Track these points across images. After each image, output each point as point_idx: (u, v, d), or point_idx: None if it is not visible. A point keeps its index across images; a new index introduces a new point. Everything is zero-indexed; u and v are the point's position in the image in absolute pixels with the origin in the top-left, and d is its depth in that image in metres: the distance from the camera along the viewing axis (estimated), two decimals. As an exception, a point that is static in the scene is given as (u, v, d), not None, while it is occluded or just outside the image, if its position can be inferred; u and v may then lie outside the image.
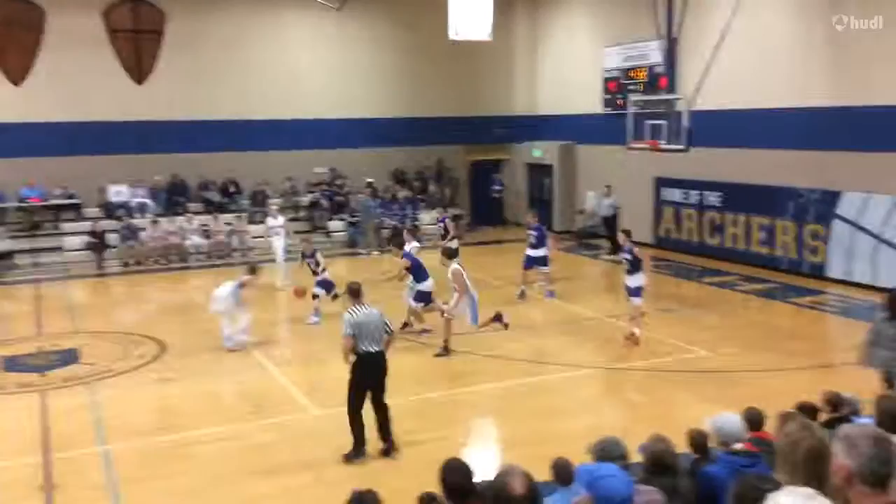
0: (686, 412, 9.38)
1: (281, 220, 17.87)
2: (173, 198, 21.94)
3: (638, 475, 5.03)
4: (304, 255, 14.52)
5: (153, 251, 20.38)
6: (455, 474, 4.03)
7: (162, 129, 21.92)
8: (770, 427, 5.98)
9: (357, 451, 8.36)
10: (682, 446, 5.61)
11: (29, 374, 11.49)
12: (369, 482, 6.86)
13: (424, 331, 13.15)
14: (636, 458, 5.29)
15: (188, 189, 22.37)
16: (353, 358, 8.33)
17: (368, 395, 8.41)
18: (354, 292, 8.71)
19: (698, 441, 5.74)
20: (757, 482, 3.61)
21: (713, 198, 19.39)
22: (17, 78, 20.88)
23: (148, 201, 21.73)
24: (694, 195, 19.92)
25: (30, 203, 20.66)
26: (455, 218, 17.41)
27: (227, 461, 8.40)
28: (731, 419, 5.43)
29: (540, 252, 15.65)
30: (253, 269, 13.13)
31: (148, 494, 7.76)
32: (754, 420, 5.98)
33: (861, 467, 2.76)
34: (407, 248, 13.72)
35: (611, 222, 20.70)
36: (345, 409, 8.48)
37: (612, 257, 19.31)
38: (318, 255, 14.44)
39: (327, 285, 13.99)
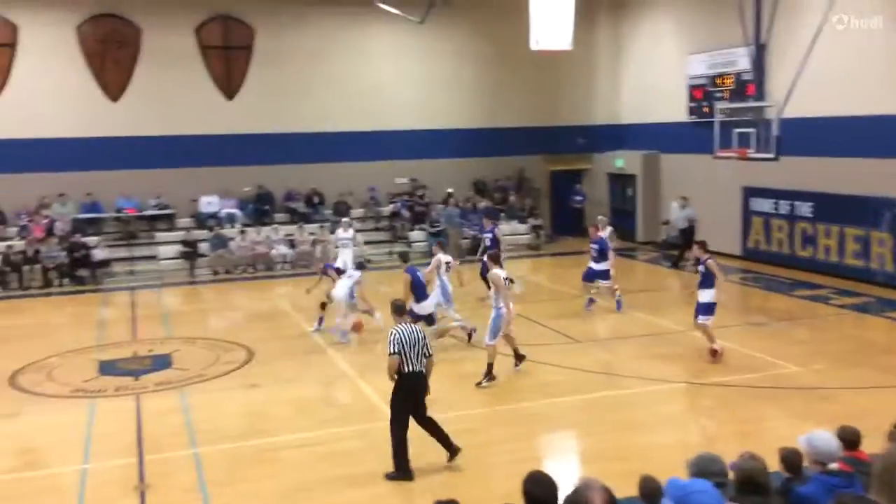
0: (775, 429, 9.11)
1: (350, 232, 18.08)
2: (260, 208, 22.56)
3: (728, 494, 4.92)
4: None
5: (241, 260, 21.00)
6: (539, 487, 4.00)
7: (250, 141, 22.61)
8: (865, 446, 5.76)
9: (400, 473, 8.16)
10: (772, 465, 5.45)
11: (124, 378, 11.98)
12: (450, 492, 6.90)
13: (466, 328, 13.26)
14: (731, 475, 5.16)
15: (274, 200, 22.97)
16: (396, 377, 8.19)
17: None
18: (399, 309, 8.61)
19: (791, 460, 5.54)
20: (855, 503, 3.49)
21: (804, 208, 18.75)
22: (114, 94, 21.85)
23: (237, 212, 22.43)
24: (784, 205, 19.31)
25: (126, 213, 21.54)
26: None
27: (312, 467, 8.56)
28: (826, 438, 5.22)
29: (602, 266, 15.26)
30: (361, 266, 13.81)
31: (236, 497, 7.98)
32: (850, 439, 5.74)
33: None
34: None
35: (687, 234, 20.17)
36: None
37: (676, 268, 19.01)
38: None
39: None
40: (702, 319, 12.11)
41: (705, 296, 12.05)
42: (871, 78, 16.89)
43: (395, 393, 8.25)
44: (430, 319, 12.71)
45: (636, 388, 11.05)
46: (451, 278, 13.91)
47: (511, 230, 23.76)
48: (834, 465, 5.05)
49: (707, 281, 12.08)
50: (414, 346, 8.12)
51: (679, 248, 20.33)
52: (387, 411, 10.20)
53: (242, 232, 21.20)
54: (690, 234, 19.88)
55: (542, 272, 18.48)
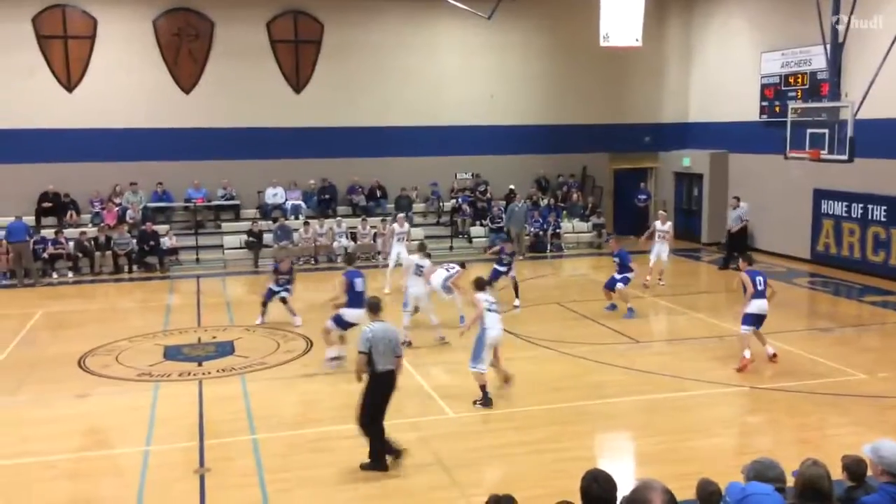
0: (839, 437, 8.86)
1: (406, 227, 18.23)
2: (324, 201, 22.85)
3: (789, 500, 4.79)
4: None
5: (304, 251, 21.30)
6: (597, 484, 3.94)
7: (315, 134, 22.93)
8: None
9: (382, 466, 8.21)
10: (834, 473, 5.28)
11: (188, 364, 12.28)
12: (505, 488, 6.89)
13: (335, 358, 12.02)
14: (790, 482, 5.03)
15: (337, 193, 23.24)
16: (366, 376, 8.22)
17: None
18: (374, 307, 8.56)
19: (855, 468, 5.37)
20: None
21: (878, 212, 18.14)
22: (187, 86, 22.39)
23: (301, 204, 22.76)
24: (857, 209, 18.70)
25: (195, 203, 22.08)
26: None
27: (364, 456, 8.63)
28: (893, 447, 5.03)
29: (624, 275, 15.08)
30: (463, 264, 13.98)
31: (291, 484, 8.10)
32: (918, 450, 5.53)
33: None
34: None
35: (737, 235, 19.69)
36: (480, 413, 8.51)
37: (726, 269, 18.91)
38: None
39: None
40: (743, 329, 11.73)
41: (748, 307, 11.61)
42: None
43: (366, 391, 8.28)
44: (344, 326, 11.84)
45: (696, 390, 10.86)
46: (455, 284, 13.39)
47: (572, 228, 23.58)
48: (901, 476, 4.88)
49: (757, 293, 11.58)
50: (385, 346, 8.12)
51: (728, 249, 19.88)
52: (440, 405, 10.28)
53: (306, 224, 21.49)
54: (742, 235, 19.40)
55: (603, 271, 18.25)
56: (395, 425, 9.58)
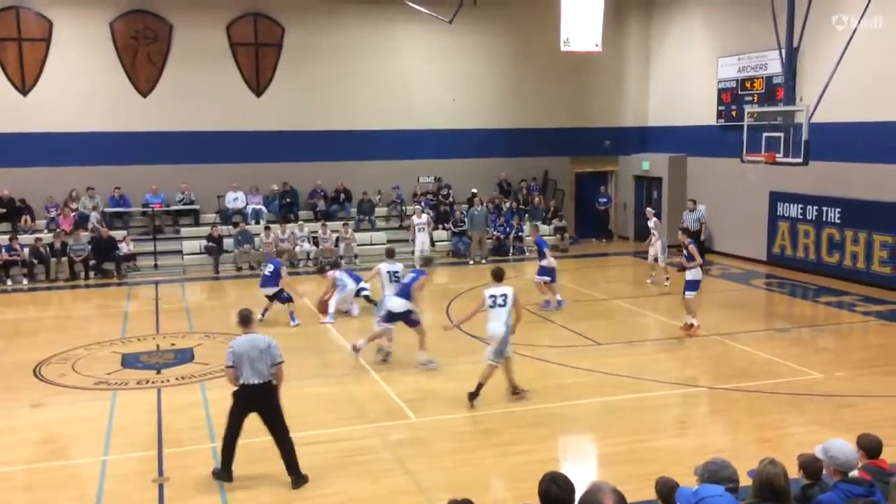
0: (796, 436, 9.03)
1: (424, 217, 18.85)
2: (286, 205, 22.69)
3: (747, 499, 4.86)
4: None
5: (265, 256, 21.09)
6: (556, 487, 3.98)
7: (277, 138, 22.78)
8: (886, 455, 5.67)
9: (221, 474, 8.14)
10: (791, 471, 5.37)
11: (146, 372, 12.09)
12: (469, 492, 6.87)
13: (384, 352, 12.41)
14: (745, 481, 5.10)
15: (299, 197, 23.09)
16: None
17: (267, 430, 8.15)
18: (243, 319, 8.30)
19: (810, 466, 5.47)
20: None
21: (832, 214, 18.53)
22: (144, 89, 22.08)
23: (262, 208, 22.58)
24: (812, 211, 19.09)
25: (153, 208, 21.77)
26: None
27: (328, 463, 8.57)
28: (844, 446, 5.13)
29: (543, 263, 15.75)
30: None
31: (253, 492, 8.01)
32: (871, 447, 5.65)
33: None
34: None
35: (695, 237, 20.02)
36: (444, 417, 8.53)
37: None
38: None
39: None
40: (688, 294, 13.73)
41: (691, 274, 13.72)
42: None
43: (232, 402, 8.15)
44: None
45: (656, 391, 10.97)
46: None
47: (527, 232, 23.69)
48: (854, 474, 4.97)
49: (692, 261, 13.73)
50: (252, 358, 7.91)
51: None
52: (404, 411, 10.28)
53: (267, 228, 21.31)
54: (698, 236, 19.93)
55: (565, 275, 18.41)
56: (359, 430, 9.58)
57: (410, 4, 20.46)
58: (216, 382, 11.45)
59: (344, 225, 21.88)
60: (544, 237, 23.43)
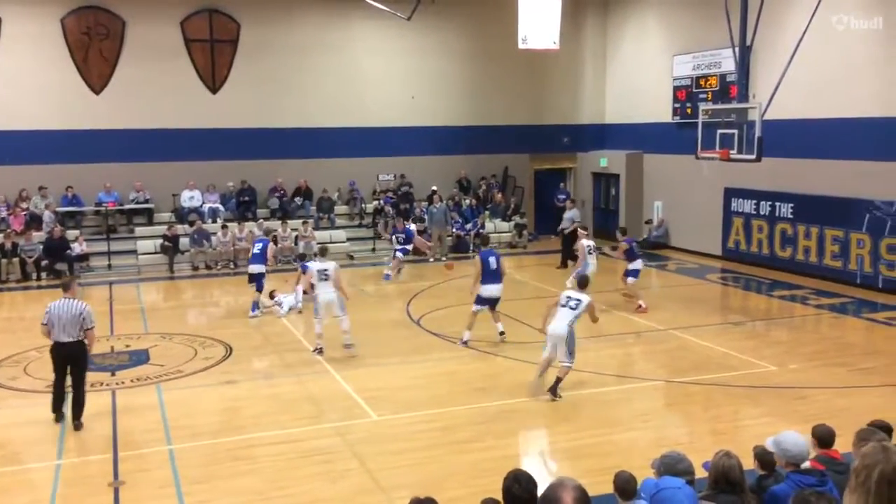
0: (751, 428, 9.18)
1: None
2: (243, 203, 22.43)
3: (704, 490, 4.93)
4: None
5: (222, 255, 20.87)
6: (518, 485, 4.01)
7: (233, 136, 22.50)
8: (839, 445, 5.79)
9: (55, 414, 9.67)
10: (747, 463, 5.46)
11: (101, 374, 11.82)
12: (426, 489, 6.85)
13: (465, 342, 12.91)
14: (701, 473, 5.17)
15: (257, 195, 22.85)
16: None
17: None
18: (63, 286, 9.82)
19: (765, 458, 5.57)
20: (814, 500, 3.49)
21: (785, 209, 18.88)
22: (97, 86, 21.66)
23: (219, 207, 22.29)
24: (765, 206, 19.43)
25: (106, 207, 21.37)
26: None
27: (288, 464, 8.50)
28: (795, 438, 5.23)
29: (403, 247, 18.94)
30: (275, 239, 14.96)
31: (210, 494, 7.90)
32: (824, 438, 5.77)
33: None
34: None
35: (570, 235, 20.18)
36: (404, 415, 8.50)
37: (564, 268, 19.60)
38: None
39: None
40: (630, 280, 15.39)
41: (634, 264, 15.40)
42: (852, 81, 17.04)
43: (51, 356, 9.62)
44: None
45: (615, 385, 11.09)
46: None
47: (494, 228, 23.79)
48: (806, 464, 5.07)
49: (634, 255, 15.38)
50: (63, 320, 9.35)
51: (563, 248, 20.41)
52: (364, 409, 10.26)
53: (224, 227, 21.05)
54: (572, 235, 20.00)
55: (526, 271, 18.53)
56: (319, 430, 9.52)
57: (369, 1, 20.37)
58: (173, 384, 11.31)
59: (304, 223, 21.69)
60: (503, 234, 23.65)
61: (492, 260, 12.77)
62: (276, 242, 17.03)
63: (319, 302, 12.50)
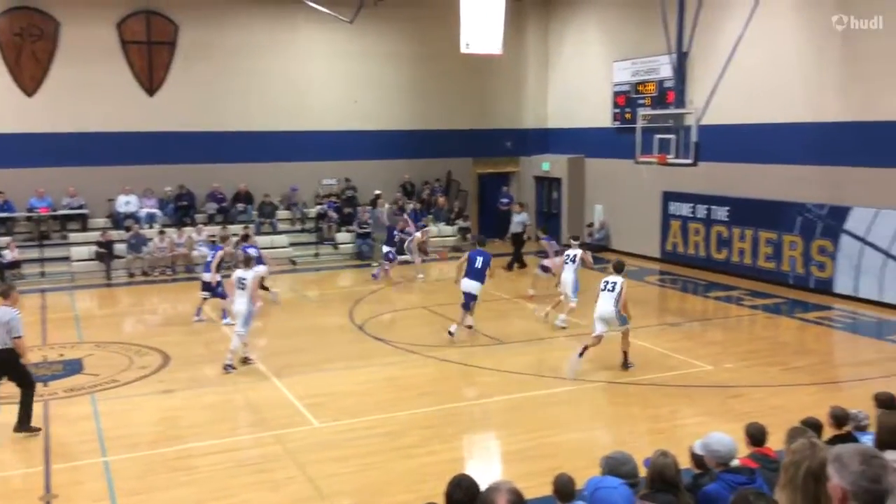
0: (688, 427, 9.34)
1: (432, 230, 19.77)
2: (181, 208, 22.02)
3: (640, 491, 5.00)
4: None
5: (160, 261, 20.44)
6: (459, 490, 4.05)
7: (172, 139, 22.06)
8: (774, 443, 5.93)
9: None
10: (685, 461, 5.56)
11: (33, 384, 11.48)
12: (369, 496, 6.84)
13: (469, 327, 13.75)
14: (644, 472, 5.24)
15: (195, 200, 22.45)
16: None
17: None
18: (3, 293, 9.51)
19: (699, 457, 5.68)
20: (753, 499, 3.58)
21: (721, 212, 19.33)
22: (29, 88, 21.03)
23: (157, 212, 21.84)
24: (701, 209, 19.86)
25: (38, 213, 20.75)
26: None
27: (228, 473, 8.37)
28: (721, 438, 5.33)
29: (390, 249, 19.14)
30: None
31: (147, 507, 7.74)
32: (756, 435, 5.92)
33: (853, 486, 2.73)
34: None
35: (519, 239, 20.93)
36: (347, 421, 8.44)
37: (510, 270, 20.24)
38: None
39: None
40: (539, 273, 16.25)
41: (547, 262, 16.17)
42: (787, 88, 17.54)
43: None
44: None
45: (557, 387, 11.18)
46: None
47: (438, 232, 23.82)
48: (735, 462, 5.18)
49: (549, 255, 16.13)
50: None
51: (513, 253, 20.91)
52: (305, 416, 10.16)
53: (162, 232, 20.63)
54: (521, 238, 20.86)
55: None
56: (259, 439, 9.39)
57: (310, 4, 20.22)
58: (107, 394, 11.04)
59: (245, 228, 21.35)
60: (448, 238, 23.76)
61: (478, 259, 13.71)
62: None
63: (233, 311, 12.28)
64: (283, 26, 23.10)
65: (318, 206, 23.33)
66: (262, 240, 21.44)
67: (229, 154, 22.62)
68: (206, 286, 15.17)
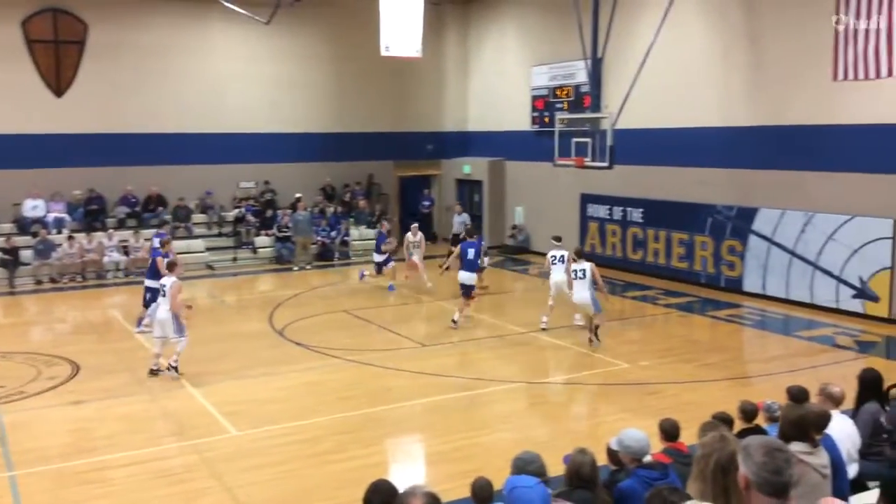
0: (608, 424, 9.54)
1: (420, 236, 18.73)
2: (91, 213, 21.26)
3: (558, 489, 5.08)
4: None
5: (69, 268, 19.71)
6: (377, 495, 4.03)
7: (81, 141, 21.27)
8: (688, 438, 6.10)
9: None
10: (603, 459, 5.68)
11: (-68, 398, 10.93)
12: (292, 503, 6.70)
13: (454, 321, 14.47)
14: (561, 470, 5.32)
15: (106, 204, 21.72)
16: None
17: None
18: None
19: (616, 454, 5.80)
20: (668, 495, 3.67)
21: (636, 214, 19.82)
22: (-76, 88, 20.02)
23: (65, 216, 21.03)
24: (617, 211, 20.33)
25: (-62, 218, 19.75)
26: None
27: (143, 485, 8.12)
28: (634, 435, 5.47)
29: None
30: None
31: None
32: (669, 431, 6.08)
33: (756, 476, 2.84)
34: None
35: (459, 240, 21.02)
36: (266, 429, 8.29)
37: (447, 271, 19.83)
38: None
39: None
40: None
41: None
42: (697, 94, 18.12)
43: None
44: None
45: (479, 389, 11.25)
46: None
47: (359, 235, 23.69)
48: (648, 458, 5.32)
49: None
50: None
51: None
52: (223, 424, 9.96)
53: (71, 238, 19.90)
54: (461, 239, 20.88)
55: (389, 277, 18.51)
56: (175, 449, 9.14)
57: (225, 4, 19.85)
58: (14, 406, 10.58)
59: (159, 230, 20.79)
60: (369, 241, 23.61)
61: (469, 251, 14.79)
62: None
63: (155, 319, 11.97)
64: (198, 26, 22.61)
65: (237, 210, 22.91)
66: (177, 244, 20.93)
67: (142, 156, 21.97)
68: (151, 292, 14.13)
